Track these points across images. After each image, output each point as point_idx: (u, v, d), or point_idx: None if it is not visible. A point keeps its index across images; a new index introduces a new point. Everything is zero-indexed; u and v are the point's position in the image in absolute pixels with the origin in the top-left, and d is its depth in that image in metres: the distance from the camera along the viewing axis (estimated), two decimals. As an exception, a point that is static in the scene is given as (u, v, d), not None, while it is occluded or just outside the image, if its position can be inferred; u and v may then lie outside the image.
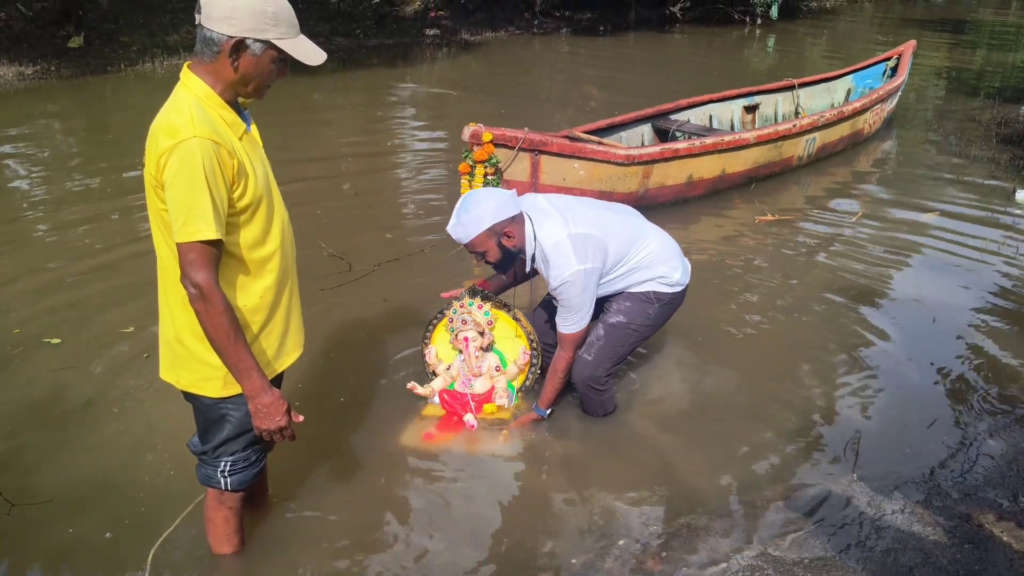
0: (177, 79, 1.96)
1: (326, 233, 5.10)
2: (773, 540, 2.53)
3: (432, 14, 15.48)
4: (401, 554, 2.52)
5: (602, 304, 3.01)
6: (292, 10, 1.95)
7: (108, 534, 2.60)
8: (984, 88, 10.53)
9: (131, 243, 5.09)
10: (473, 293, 3.21)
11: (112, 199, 5.96)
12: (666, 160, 5.34)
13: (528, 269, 2.89)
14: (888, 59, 8.16)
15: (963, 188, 6.26)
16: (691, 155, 5.45)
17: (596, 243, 2.76)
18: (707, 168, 5.64)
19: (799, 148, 6.30)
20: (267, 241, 2.05)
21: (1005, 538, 2.52)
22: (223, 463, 2.19)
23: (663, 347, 3.76)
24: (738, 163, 5.84)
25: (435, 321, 3.31)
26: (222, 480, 2.21)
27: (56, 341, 3.86)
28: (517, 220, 2.76)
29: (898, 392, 3.43)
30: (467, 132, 4.80)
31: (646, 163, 5.24)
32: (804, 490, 2.78)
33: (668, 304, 2.98)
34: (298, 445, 2.36)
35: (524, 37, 15.18)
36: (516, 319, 3.25)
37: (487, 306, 3.19)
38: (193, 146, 1.80)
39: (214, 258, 1.86)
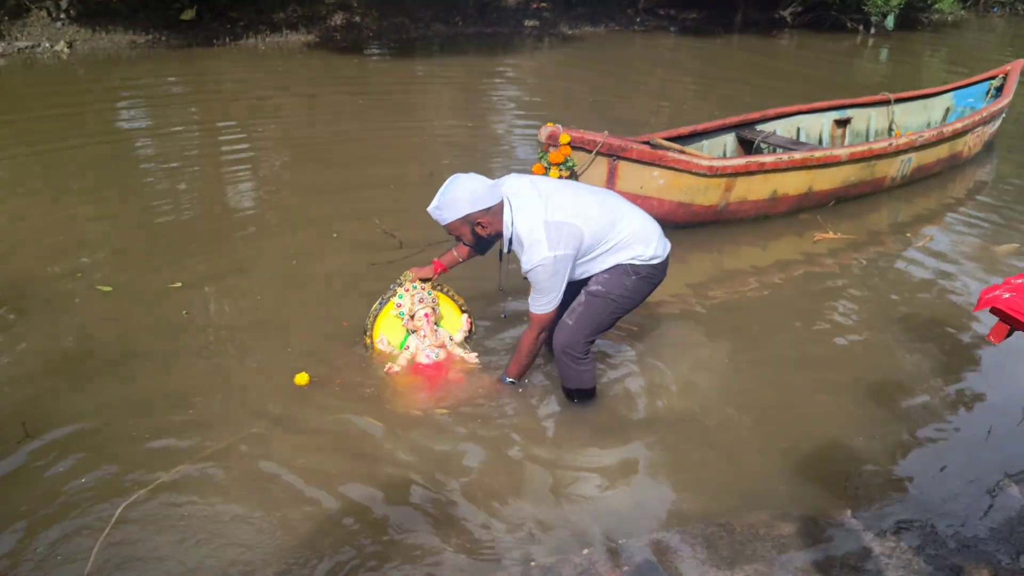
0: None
1: (390, 209, 5.23)
2: (743, 568, 2.44)
3: (534, 6, 15.49)
4: (388, 543, 2.54)
5: (584, 282, 3.06)
6: None
7: (84, 479, 2.74)
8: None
9: (203, 203, 5.48)
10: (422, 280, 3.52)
11: (195, 164, 6.31)
12: (750, 174, 5.10)
13: (506, 251, 3.00)
14: (993, 78, 7.63)
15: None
16: (777, 170, 5.18)
17: (570, 230, 2.82)
18: (793, 184, 5.35)
19: (893, 168, 5.94)
20: None
21: (1004, 599, 2.35)
22: None
23: (697, 347, 3.73)
24: (826, 181, 5.51)
25: (376, 312, 3.50)
26: None
27: (108, 289, 4.12)
28: (493, 211, 2.86)
29: (921, 430, 3.20)
30: (544, 132, 4.62)
31: (729, 175, 5.02)
32: (789, 519, 2.64)
33: (646, 278, 3.01)
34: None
35: (625, 34, 14.99)
36: (451, 296, 3.61)
37: (427, 287, 3.48)
38: None
39: None
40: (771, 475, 2.91)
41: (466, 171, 2.97)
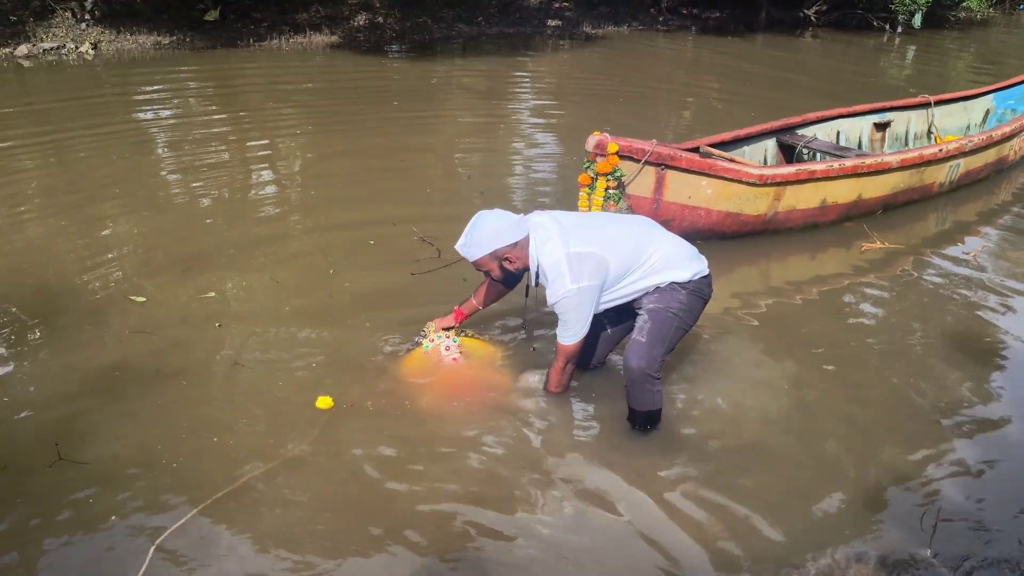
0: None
1: (428, 215, 5.13)
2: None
3: (557, 5, 15.34)
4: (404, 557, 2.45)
5: (632, 308, 3.06)
6: None
7: (119, 507, 2.65)
8: None
9: (234, 208, 5.37)
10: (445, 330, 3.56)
11: (223, 169, 6.23)
12: (801, 182, 4.95)
13: (534, 284, 3.05)
14: (1033, 78, 7.45)
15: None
16: (828, 178, 5.02)
17: (594, 261, 2.85)
18: (843, 192, 5.19)
19: (942, 174, 5.76)
20: None
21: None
22: None
23: (752, 366, 3.59)
24: (876, 188, 5.35)
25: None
26: None
27: (141, 299, 4.03)
28: (519, 245, 2.92)
29: (998, 461, 3.03)
30: (592, 142, 4.38)
31: (779, 184, 4.86)
32: (866, 560, 2.48)
33: (694, 292, 3.01)
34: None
35: (647, 33, 14.82)
36: (475, 339, 3.61)
37: (451, 335, 3.51)
38: None
39: None
40: (840, 509, 2.76)
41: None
